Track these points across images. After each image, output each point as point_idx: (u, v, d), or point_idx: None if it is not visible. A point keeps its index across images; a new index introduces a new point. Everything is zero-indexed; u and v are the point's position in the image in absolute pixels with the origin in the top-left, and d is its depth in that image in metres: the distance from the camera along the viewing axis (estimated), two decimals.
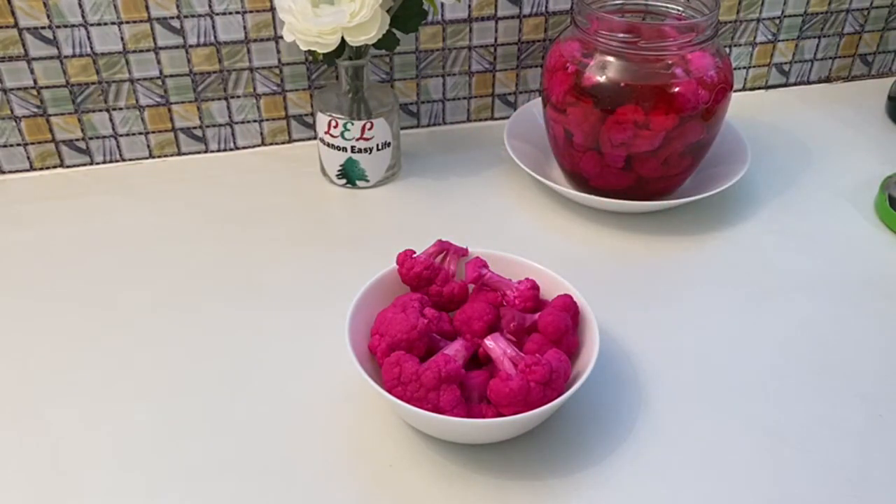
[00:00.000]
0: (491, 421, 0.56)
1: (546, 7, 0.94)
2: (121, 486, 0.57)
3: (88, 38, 0.83)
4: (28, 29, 0.81)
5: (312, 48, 0.77)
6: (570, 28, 0.81)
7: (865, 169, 0.92)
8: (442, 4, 0.90)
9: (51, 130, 0.88)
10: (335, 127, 0.84)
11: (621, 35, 0.76)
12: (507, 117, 0.96)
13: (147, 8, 0.83)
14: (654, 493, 0.57)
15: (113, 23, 0.83)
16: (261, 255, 0.78)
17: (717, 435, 0.61)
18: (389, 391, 0.57)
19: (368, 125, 0.83)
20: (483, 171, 0.91)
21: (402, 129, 0.97)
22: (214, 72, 0.88)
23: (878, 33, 1.07)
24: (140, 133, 0.90)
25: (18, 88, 0.84)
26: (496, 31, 0.94)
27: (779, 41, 1.04)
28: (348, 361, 0.59)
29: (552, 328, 0.60)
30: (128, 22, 0.83)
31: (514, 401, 0.55)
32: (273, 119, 0.93)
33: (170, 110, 0.90)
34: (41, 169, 0.90)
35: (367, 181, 0.88)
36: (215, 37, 0.86)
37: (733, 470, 0.59)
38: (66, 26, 0.82)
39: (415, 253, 0.67)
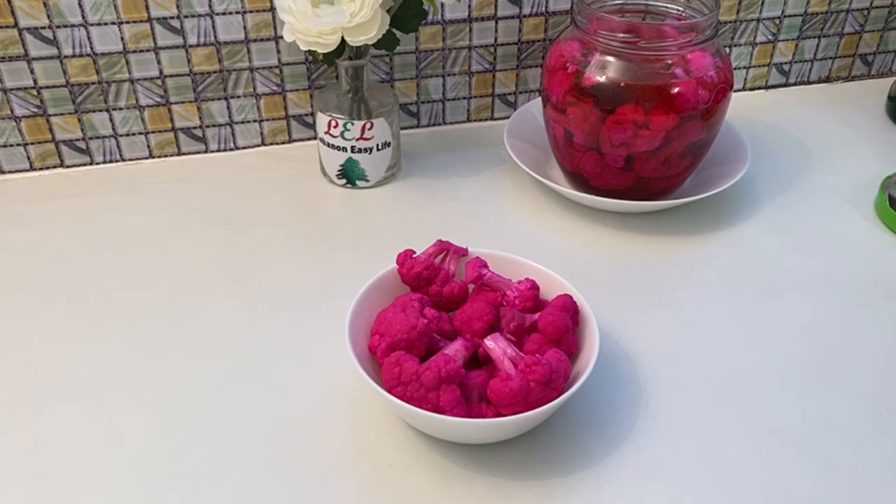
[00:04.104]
0: (491, 421, 0.56)
1: (546, 7, 0.94)
2: (121, 486, 0.57)
3: (88, 38, 0.83)
4: (28, 29, 0.81)
5: (312, 48, 0.77)
6: (570, 28, 0.81)
7: (865, 169, 0.92)
8: (442, 4, 0.90)
9: (51, 130, 0.88)
10: (335, 127, 0.84)
11: (621, 35, 0.76)
12: (507, 117, 0.96)
13: (147, 8, 0.83)
14: (654, 494, 0.57)
15: (113, 23, 0.83)
16: (261, 255, 0.78)
17: (717, 435, 0.61)
18: (389, 391, 0.57)
19: (368, 125, 0.83)
20: (483, 171, 0.91)
21: (402, 129, 0.97)
22: (214, 72, 0.88)
23: (878, 33, 1.07)
24: (140, 133, 0.90)
25: (18, 88, 0.84)
26: (496, 31, 0.94)
27: (779, 41, 1.04)
28: (348, 361, 0.59)
29: (552, 328, 0.60)
30: (128, 22, 0.83)
31: (514, 401, 0.56)
32: (273, 119, 0.93)
33: (170, 110, 0.90)
34: (41, 169, 0.90)
35: (367, 181, 0.88)
36: (215, 37, 0.86)
37: (733, 470, 0.59)
38: (66, 26, 0.82)
39: (415, 253, 0.67)
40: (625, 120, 0.77)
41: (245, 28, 0.87)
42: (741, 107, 1.01)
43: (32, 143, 0.88)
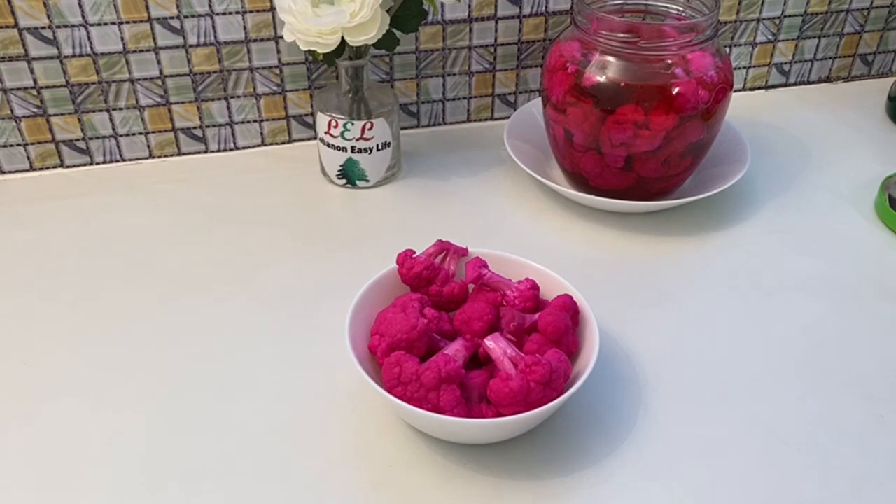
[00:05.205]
0: (491, 421, 0.56)
1: (546, 7, 0.94)
2: (121, 486, 0.57)
3: (88, 38, 0.83)
4: (28, 29, 0.81)
5: (312, 48, 0.77)
6: (570, 28, 0.81)
7: (865, 169, 0.92)
8: (442, 4, 0.90)
9: (51, 130, 0.88)
10: (335, 127, 0.84)
11: (621, 35, 0.76)
12: (507, 117, 0.96)
13: (147, 8, 0.83)
14: (654, 493, 0.57)
15: (113, 23, 0.83)
16: (261, 255, 0.78)
17: (716, 435, 0.61)
18: (389, 391, 0.57)
19: (368, 125, 0.83)
20: (483, 171, 0.91)
21: (402, 129, 0.97)
22: (214, 72, 0.88)
23: (878, 33, 1.07)
24: (140, 133, 0.90)
25: (18, 88, 0.84)
26: (496, 31, 0.94)
27: (779, 41, 1.04)
28: (348, 361, 0.59)
29: (552, 328, 0.60)
30: (128, 22, 0.83)
31: (514, 401, 0.56)
32: (273, 119, 0.93)
33: (170, 110, 0.90)
34: (41, 169, 0.90)
35: (367, 181, 0.88)
36: (215, 37, 0.86)
37: (733, 470, 0.59)
38: (66, 26, 0.82)
39: (415, 253, 0.67)
40: (625, 120, 0.77)
41: (245, 28, 0.87)
42: (741, 107, 1.01)
43: (32, 143, 0.88)
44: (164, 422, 0.62)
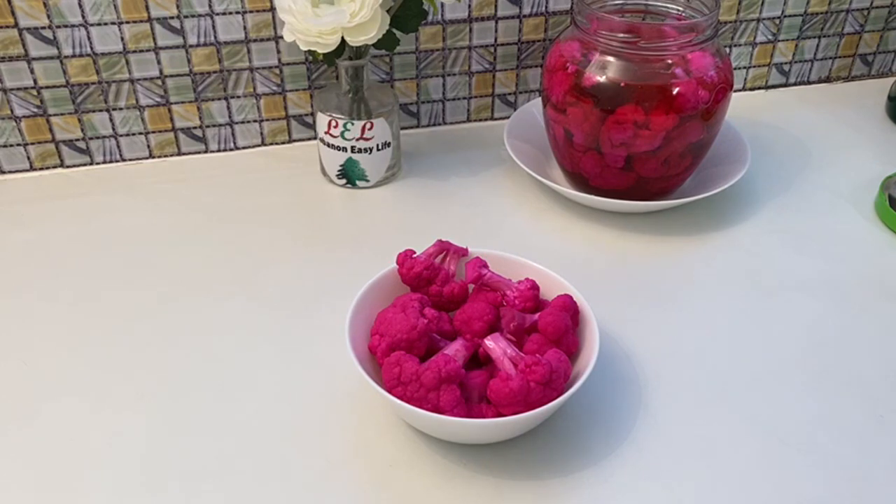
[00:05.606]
0: (491, 421, 0.56)
1: (546, 7, 0.94)
2: (121, 486, 0.57)
3: (88, 38, 0.83)
4: (28, 29, 0.81)
5: (312, 48, 0.77)
6: (570, 28, 0.81)
7: (865, 169, 0.92)
8: (442, 4, 0.90)
9: (51, 130, 0.88)
10: (335, 127, 0.84)
11: (621, 35, 0.76)
12: (507, 117, 0.96)
13: (147, 8, 0.83)
14: (654, 493, 0.57)
15: (113, 23, 0.83)
16: (261, 255, 0.78)
17: (717, 435, 0.61)
18: (389, 391, 0.57)
19: (368, 125, 0.83)
20: (483, 171, 0.91)
21: (402, 129, 0.97)
22: (214, 72, 0.88)
23: (878, 33, 1.07)
24: (140, 133, 0.90)
25: (18, 88, 0.84)
26: (496, 31, 0.94)
27: (779, 41, 1.04)
28: (348, 361, 0.59)
29: (552, 328, 0.60)
30: (128, 22, 0.83)
31: (514, 401, 0.56)
32: (273, 119, 0.93)
33: (170, 110, 0.90)
34: (41, 169, 0.90)
35: (367, 181, 0.88)
36: (215, 37, 0.86)
37: (733, 470, 0.59)
38: (66, 26, 0.82)
39: (415, 253, 0.67)
40: (625, 120, 0.77)
41: (245, 28, 0.87)
42: (741, 107, 1.01)
43: (32, 143, 0.88)
44: (164, 422, 0.62)
